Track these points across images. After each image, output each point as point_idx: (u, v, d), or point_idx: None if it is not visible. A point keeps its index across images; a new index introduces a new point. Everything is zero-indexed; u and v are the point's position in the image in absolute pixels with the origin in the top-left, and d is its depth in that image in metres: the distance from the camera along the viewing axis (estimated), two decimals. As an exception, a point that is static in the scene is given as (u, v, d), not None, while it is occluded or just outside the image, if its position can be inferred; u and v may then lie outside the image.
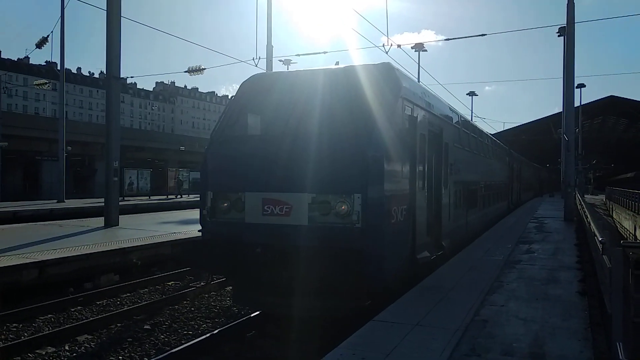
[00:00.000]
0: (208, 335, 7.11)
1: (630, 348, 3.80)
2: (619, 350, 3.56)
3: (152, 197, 35.77)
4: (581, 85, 41.81)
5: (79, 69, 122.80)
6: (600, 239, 5.64)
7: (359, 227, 6.33)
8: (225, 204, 7.22)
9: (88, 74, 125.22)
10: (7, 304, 8.56)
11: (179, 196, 37.78)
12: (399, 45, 20.51)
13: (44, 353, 6.72)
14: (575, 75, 18.58)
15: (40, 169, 46.80)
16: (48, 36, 26.39)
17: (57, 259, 10.03)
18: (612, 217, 36.64)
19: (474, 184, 13.27)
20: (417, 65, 32.41)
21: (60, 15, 25.72)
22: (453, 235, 10.42)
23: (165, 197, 37.28)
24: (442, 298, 6.53)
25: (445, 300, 6.43)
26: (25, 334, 7.47)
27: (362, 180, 6.37)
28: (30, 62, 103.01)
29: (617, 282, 3.93)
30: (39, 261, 9.70)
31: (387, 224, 6.49)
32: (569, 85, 19.03)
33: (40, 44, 26.55)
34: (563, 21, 19.04)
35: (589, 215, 9.98)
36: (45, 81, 36.18)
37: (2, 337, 7.35)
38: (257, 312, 7.96)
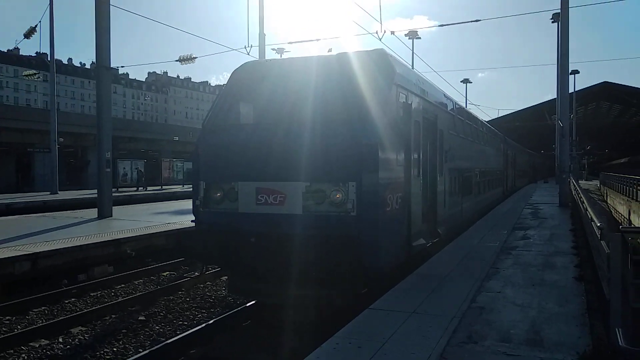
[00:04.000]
0: (203, 325, 7.06)
1: (629, 334, 3.77)
2: (619, 336, 3.52)
3: (147, 188, 35.59)
4: (575, 72, 41.72)
5: (69, 59, 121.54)
6: (598, 224, 5.60)
7: (354, 216, 6.26)
8: (218, 194, 7.13)
9: (79, 65, 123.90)
10: (0, 296, 8.47)
11: (140, 189, 34.47)
12: (392, 32, 20.38)
13: (37, 346, 6.65)
14: (569, 62, 18.51)
15: (32, 160, 46.39)
16: (36, 26, 26.01)
17: (50, 250, 9.93)
18: (606, 202, 36.81)
19: (469, 171, 13.22)
20: (411, 52, 32.24)
21: (49, 3, 25.34)
22: (448, 222, 10.38)
23: (160, 187, 37.10)
24: (438, 285, 6.50)
25: (441, 288, 6.40)
26: (19, 327, 7.39)
27: (356, 168, 6.29)
28: (20, 53, 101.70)
29: (615, 268, 3.89)
30: (31, 253, 9.60)
31: (382, 212, 6.43)
32: (564, 71, 18.96)
33: (28, 34, 26.15)
34: (557, 6, 18.92)
35: (585, 201, 9.96)
36: (35, 72, 35.72)
37: (-5, 330, 7.27)
38: (253, 302, 7.92)
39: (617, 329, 3.67)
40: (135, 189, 34.20)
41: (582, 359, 3.89)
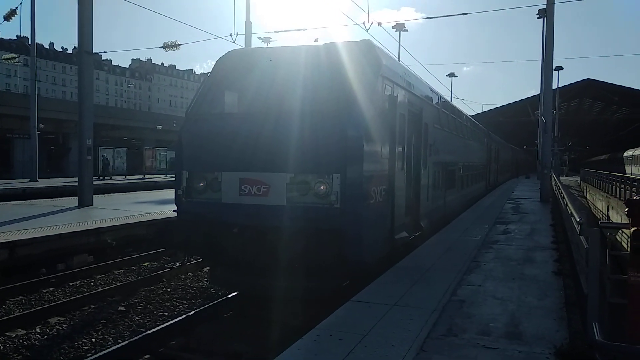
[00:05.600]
0: (184, 316, 7.00)
1: (606, 328, 3.83)
2: (595, 331, 3.58)
3: (128, 177, 35.18)
4: (559, 68, 42.26)
5: (51, 43, 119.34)
6: (578, 219, 5.67)
7: (338, 208, 6.24)
8: (201, 184, 7.05)
9: (61, 49, 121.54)
10: (-25, 285, 8.31)
11: (106, 177, 32.72)
12: (379, 24, 20.27)
13: (14, 335, 6.53)
14: (553, 58, 18.67)
15: (11, 147, 45.46)
16: (17, 8, 25.38)
17: (29, 239, 9.75)
18: (586, 198, 37.39)
19: (452, 165, 13.30)
20: (398, 44, 32.23)
21: (29, -14, 24.74)
22: (431, 215, 10.44)
23: (142, 176, 36.69)
24: (419, 278, 6.54)
25: (423, 281, 6.43)
26: (-5, 316, 7.26)
27: (341, 160, 6.27)
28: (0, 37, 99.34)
29: (594, 263, 3.94)
30: (9, 241, 9.41)
31: (365, 205, 6.43)
32: (548, 67, 19.11)
33: (8, 17, 25.49)
34: (543, 2, 19.03)
35: (565, 197, 10.10)
36: (15, 56, 34.92)
37: (-30, 319, 7.12)
38: (235, 293, 7.88)
39: (594, 323, 3.72)
40: (102, 177, 32.15)
41: (559, 353, 3.94)
